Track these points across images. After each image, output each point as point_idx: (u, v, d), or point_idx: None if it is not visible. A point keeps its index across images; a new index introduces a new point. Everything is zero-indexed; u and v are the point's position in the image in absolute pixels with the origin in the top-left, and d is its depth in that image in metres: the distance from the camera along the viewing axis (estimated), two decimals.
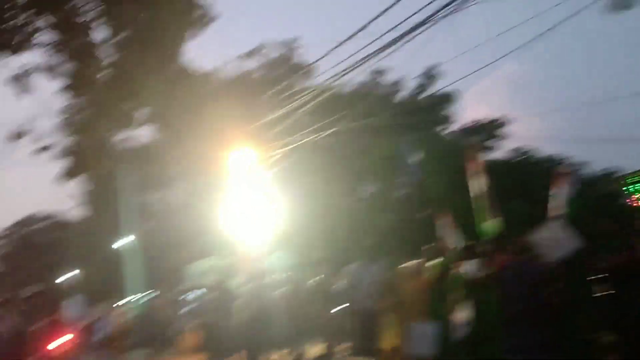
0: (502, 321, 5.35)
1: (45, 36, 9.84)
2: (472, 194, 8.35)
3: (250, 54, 29.89)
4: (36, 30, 9.84)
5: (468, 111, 41.48)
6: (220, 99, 27.11)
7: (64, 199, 41.82)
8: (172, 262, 23.71)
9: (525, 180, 20.63)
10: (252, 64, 30.00)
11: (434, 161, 19.40)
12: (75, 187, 33.25)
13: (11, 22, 9.69)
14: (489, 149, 21.35)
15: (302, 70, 27.28)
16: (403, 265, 7.70)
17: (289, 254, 13.91)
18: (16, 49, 9.63)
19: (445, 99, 22.17)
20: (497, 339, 5.37)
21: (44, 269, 35.39)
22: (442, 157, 19.66)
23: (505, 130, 21.42)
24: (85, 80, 10.24)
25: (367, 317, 5.92)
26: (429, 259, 8.23)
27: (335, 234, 16.39)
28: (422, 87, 22.27)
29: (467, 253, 6.91)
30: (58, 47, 10.04)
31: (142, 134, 31.80)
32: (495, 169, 20.83)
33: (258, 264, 11.75)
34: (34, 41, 9.83)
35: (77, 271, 31.36)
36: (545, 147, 21.52)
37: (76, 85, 10.08)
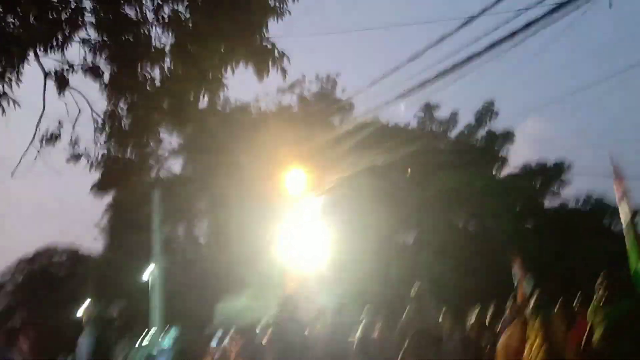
0: None
1: (89, 32, 8.31)
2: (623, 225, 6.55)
3: (290, 87, 29.20)
4: (79, 25, 8.35)
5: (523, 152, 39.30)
6: (259, 130, 26.21)
7: (87, 226, 40.60)
8: (199, 299, 21.89)
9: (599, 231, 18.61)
10: (291, 97, 29.31)
11: (493, 202, 17.67)
12: (99, 215, 32.33)
13: (55, 16, 8.19)
14: (553, 193, 19.49)
15: (344, 104, 26.29)
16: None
17: (340, 291, 12.14)
18: (56, 45, 8.09)
19: (502, 137, 20.59)
20: None
21: (61, 302, 33.75)
22: (501, 198, 17.92)
23: (568, 174, 19.56)
24: (129, 83, 8.61)
25: None
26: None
27: (388, 275, 14.54)
28: (477, 124, 20.74)
29: None
30: (102, 45, 8.46)
31: (173, 164, 30.94)
32: (566, 217, 19.07)
33: (318, 302, 10.02)
34: (76, 37, 8.32)
35: (95, 305, 29.58)
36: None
37: (118, 87, 8.48)
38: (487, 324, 7.02)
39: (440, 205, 16.98)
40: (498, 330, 7.04)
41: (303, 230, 14.59)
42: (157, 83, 9.33)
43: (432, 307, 7.12)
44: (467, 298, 13.64)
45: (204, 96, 7.58)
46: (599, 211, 18.35)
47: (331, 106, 26.96)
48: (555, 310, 6.32)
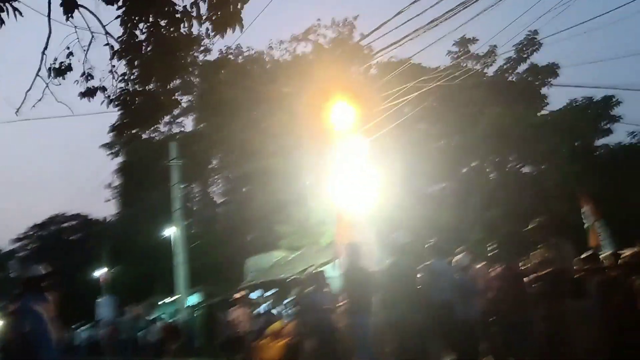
0: None
1: None
2: None
3: (305, 33, 27.29)
4: None
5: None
6: (275, 80, 24.60)
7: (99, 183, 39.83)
8: (223, 256, 20.71)
9: None
10: (306, 45, 27.45)
11: (542, 142, 16.13)
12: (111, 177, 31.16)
13: None
14: (603, 131, 17.90)
15: (362, 48, 24.51)
16: None
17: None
18: None
19: (546, 71, 18.87)
20: None
21: (76, 266, 32.93)
22: (550, 137, 16.37)
23: (618, 109, 17.86)
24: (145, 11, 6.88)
25: None
26: None
27: (439, 220, 13.24)
28: (518, 58, 18.99)
29: None
30: None
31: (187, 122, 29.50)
32: (617, 156, 17.59)
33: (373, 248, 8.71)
34: None
35: (110, 268, 28.65)
36: None
37: (137, 5, 6.74)
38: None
39: (487, 146, 15.52)
40: None
41: (339, 177, 13.20)
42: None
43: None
44: (523, 245, 12.40)
45: None
46: None
47: (349, 52, 25.17)
48: None
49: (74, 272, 32.99)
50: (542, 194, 14.66)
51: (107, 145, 29.23)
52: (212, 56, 27.01)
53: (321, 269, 11.24)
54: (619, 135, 18.45)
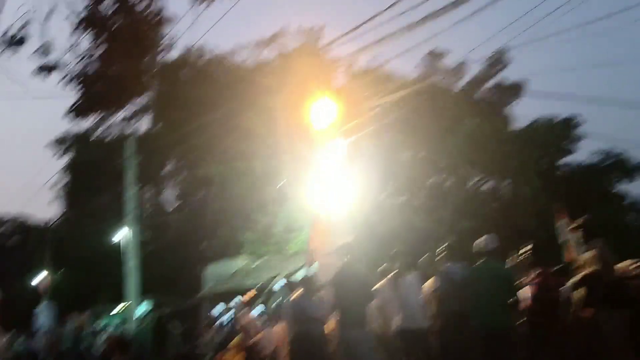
0: None
1: None
2: None
3: (271, 38, 26.73)
4: None
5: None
6: (237, 84, 23.88)
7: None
8: (177, 264, 19.57)
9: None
10: (270, 51, 26.88)
11: (515, 158, 16.11)
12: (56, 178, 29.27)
13: None
14: (565, 151, 18.14)
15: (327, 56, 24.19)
16: None
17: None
18: None
19: (511, 90, 19.05)
20: None
21: (12, 273, 30.67)
22: (522, 153, 16.39)
23: (581, 129, 18.18)
24: None
25: None
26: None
27: (413, 229, 12.87)
28: (486, 75, 19.08)
29: None
30: None
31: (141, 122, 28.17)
32: (576, 175, 17.83)
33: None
34: None
35: (51, 274, 26.68)
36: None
37: None
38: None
39: (458, 159, 15.31)
40: None
41: (308, 182, 12.62)
42: None
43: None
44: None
45: None
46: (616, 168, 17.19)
47: (314, 59, 24.76)
48: None
49: (11, 278, 30.74)
50: (511, 208, 14.55)
51: (54, 143, 27.57)
52: (175, 53, 26.10)
53: (291, 277, 10.60)
54: (583, 154, 18.77)
